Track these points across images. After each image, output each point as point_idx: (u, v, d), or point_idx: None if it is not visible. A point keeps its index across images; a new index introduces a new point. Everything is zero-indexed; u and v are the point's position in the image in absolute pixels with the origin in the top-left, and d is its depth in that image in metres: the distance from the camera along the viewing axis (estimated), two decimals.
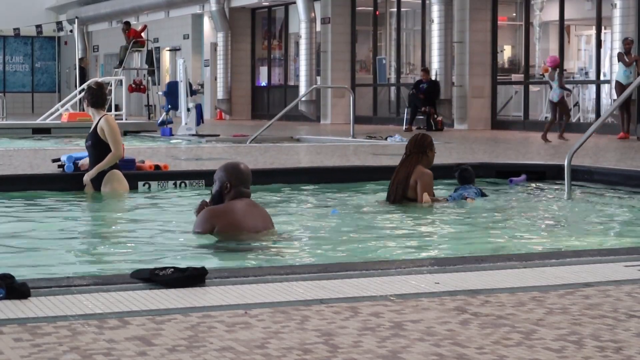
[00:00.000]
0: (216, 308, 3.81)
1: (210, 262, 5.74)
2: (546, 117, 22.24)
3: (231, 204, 6.38)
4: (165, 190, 9.94)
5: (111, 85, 25.45)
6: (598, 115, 19.85)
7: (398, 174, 8.55)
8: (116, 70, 28.43)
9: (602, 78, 20.56)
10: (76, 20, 33.61)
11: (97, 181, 9.24)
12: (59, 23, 38.18)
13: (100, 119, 9.24)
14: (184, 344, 3.27)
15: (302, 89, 26.42)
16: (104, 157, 9.22)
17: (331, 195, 9.72)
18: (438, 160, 12.10)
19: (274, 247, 6.28)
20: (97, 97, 9.31)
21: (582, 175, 10.47)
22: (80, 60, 33.36)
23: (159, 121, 20.79)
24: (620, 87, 17.35)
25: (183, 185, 10.07)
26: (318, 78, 27.17)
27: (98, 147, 9.24)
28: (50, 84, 40.72)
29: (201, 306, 3.85)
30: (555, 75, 17.25)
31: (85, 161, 9.57)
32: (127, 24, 29.16)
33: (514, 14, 24.59)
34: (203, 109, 22.89)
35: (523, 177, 10.72)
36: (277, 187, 10.04)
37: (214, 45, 31.69)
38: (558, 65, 17.70)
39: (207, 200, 6.60)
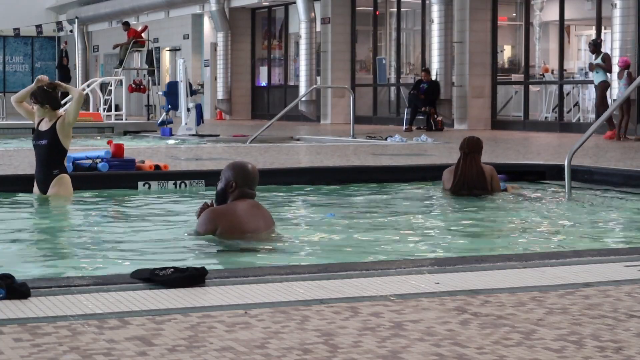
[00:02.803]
0: (216, 308, 3.81)
1: (210, 262, 5.74)
2: (545, 117, 22.30)
3: (234, 205, 6.36)
4: (165, 190, 9.94)
5: (111, 85, 25.47)
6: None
7: (467, 172, 9.26)
8: (116, 70, 28.44)
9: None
10: (76, 20, 33.65)
11: (44, 184, 8.89)
12: (59, 23, 38.19)
13: (58, 119, 8.88)
14: (184, 344, 3.27)
15: (302, 89, 26.42)
16: (58, 160, 8.88)
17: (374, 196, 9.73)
18: (439, 160, 12.11)
19: (275, 247, 6.28)
20: (57, 100, 9.11)
21: (582, 175, 10.46)
22: (62, 59, 33.43)
23: (159, 121, 20.80)
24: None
25: (183, 185, 10.06)
26: (318, 78, 27.17)
27: (56, 147, 8.86)
28: None
29: (201, 306, 3.85)
30: (625, 74, 17.43)
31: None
32: (127, 24, 29.17)
33: (514, 14, 24.59)
34: (203, 109, 22.91)
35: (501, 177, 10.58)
36: (277, 187, 10.04)
37: (214, 45, 31.70)
38: (629, 65, 17.74)
39: (209, 202, 6.58)
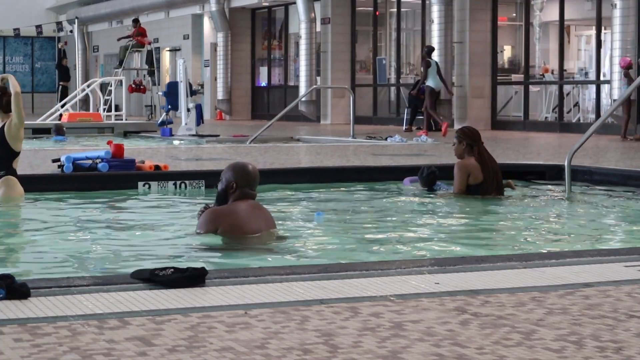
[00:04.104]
0: (216, 308, 3.81)
1: (210, 262, 5.74)
2: (545, 117, 22.30)
3: (235, 205, 6.36)
4: (165, 190, 9.94)
5: (111, 86, 25.47)
6: (598, 115, 19.86)
7: (488, 164, 8.92)
8: (116, 70, 28.44)
9: (602, 78, 20.57)
10: (76, 20, 33.66)
11: None
12: (59, 23, 38.22)
13: (6, 122, 8.64)
14: (184, 344, 3.27)
15: (302, 89, 26.42)
16: (6, 161, 8.67)
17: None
18: (439, 160, 12.10)
19: (274, 248, 6.28)
20: (7, 102, 8.68)
21: (582, 175, 10.47)
22: (61, 59, 33.48)
23: (159, 121, 20.80)
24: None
25: (183, 185, 10.06)
26: (318, 78, 27.16)
27: (3, 148, 8.65)
28: (50, 84, 40.72)
29: (201, 306, 3.85)
30: (623, 74, 17.59)
31: None
32: (136, 21, 29.13)
33: (514, 14, 24.59)
34: (203, 109, 22.90)
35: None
36: (277, 187, 10.04)
37: (214, 46, 31.70)
38: (630, 65, 17.82)
39: (210, 205, 6.58)
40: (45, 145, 17.04)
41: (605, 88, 20.12)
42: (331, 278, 4.41)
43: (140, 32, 28.22)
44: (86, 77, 36.15)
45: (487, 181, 8.89)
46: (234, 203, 6.37)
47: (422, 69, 20.63)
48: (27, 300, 3.90)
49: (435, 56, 23.03)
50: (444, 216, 8.41)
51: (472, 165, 8.91)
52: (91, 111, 24.56)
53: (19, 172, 8.89)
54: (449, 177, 9.27)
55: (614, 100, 17.98)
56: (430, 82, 20.48)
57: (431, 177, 9.34)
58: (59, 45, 37.02)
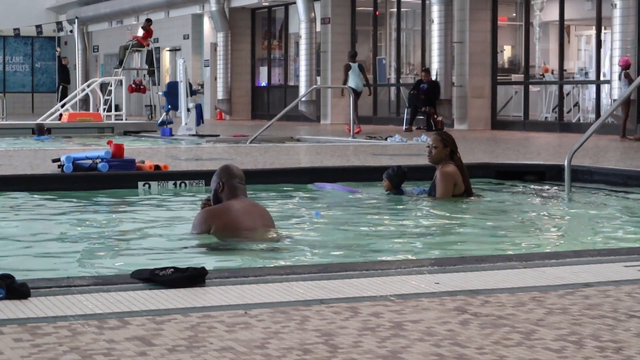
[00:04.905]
0: (216, 308, 3.81)
1: (210, 262, 5.74)
2: (545, 117, 22.31)
3: (228, 204, 6.38)
4: (165, 190, 9.94)
5: (111, 86, 25.47)
6: (598, 115, 19.86)
7: (465, 172, 8.81)
8: (116, 70, 28.44)
9: (602, 78, 20.57)
10: (76, 20, 33.68)
11: None
12: (59, 23, 38.24)
13: None
14: (184, 344, 3.27)
15: (302, 89, 26.42)
16: None
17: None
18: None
19: (274, 247, 6.28)
20: None
21: (582, 175, 10.46)
22: (62, 58, 33.49)
23: (159, 121, 20.80)
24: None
25: (183, 185, 10.07)
26: (318, 78, 27.17)
27: None
28: (50, 84, 40.72)
29: (201, 306, 3.85)
30: (622, 74, 17.62)
31: None
32: (149, 21, 29.10)
33: (514, 14, 24.59)
34: (203, 109, 22.92)
35: (335, 186, 10.15)
36: (277, 187, 10.03)
37: (214, 45, 31.70)
38: (629, 65, 17.83)
39: (208, 198, 6.63)
40: (25, 144, 17.10)
41: (605, 88, 20.11)
42: (331, 278, 4.41)
43: (147, 30, 28.23)
44: (86, 77, 36.16)
45: (467, 190, 8.79)
46: (228, 202, 6.40)
47: (355, 69, 21.95)
48: (27, 300, 3.90)
49: (435, 56, 23.09)
50: (443, 216, 8.41)
51: (457, 174, 8.77)
52: (91, 111, 24.56)
53: (19, 171, 8.89)
54: (421, 179, 9.29)
55: (614, 100, 17.99)
56: (351, 84, 21.56)
57: (403, 178, 9.20)
58: (57, 51, 37.02)
